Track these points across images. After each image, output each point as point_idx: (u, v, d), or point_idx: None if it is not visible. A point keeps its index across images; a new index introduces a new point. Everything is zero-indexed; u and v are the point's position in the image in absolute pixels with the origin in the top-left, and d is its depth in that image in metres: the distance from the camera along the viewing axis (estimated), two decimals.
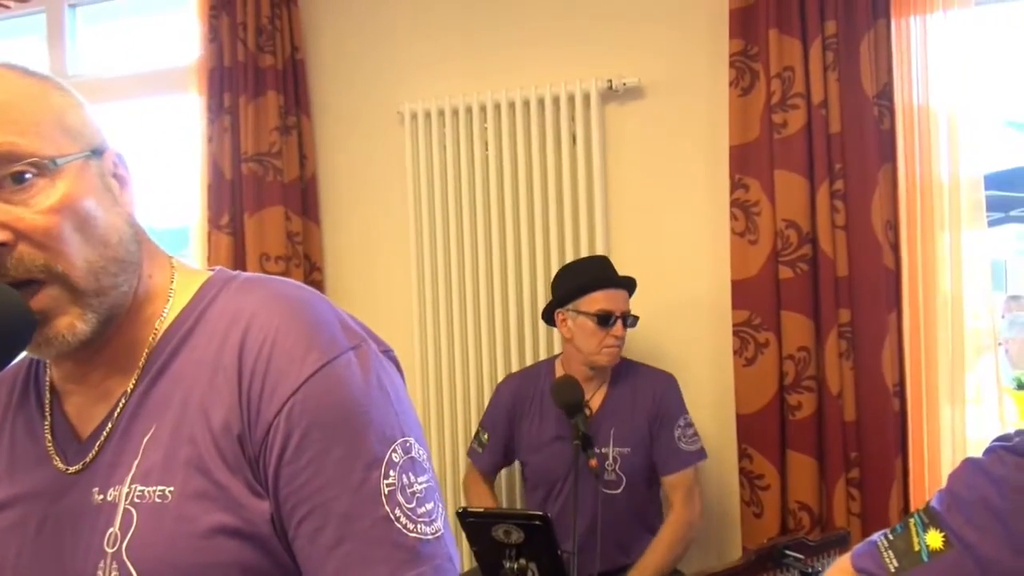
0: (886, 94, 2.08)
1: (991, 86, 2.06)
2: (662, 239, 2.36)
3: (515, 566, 1.49)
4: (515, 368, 2.37)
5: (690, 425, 2.04)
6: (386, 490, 0.64)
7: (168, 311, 0.71)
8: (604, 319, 1.96)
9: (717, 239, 2.28)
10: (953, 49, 2.03)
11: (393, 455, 0.65)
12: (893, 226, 2.10)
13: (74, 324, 0.64)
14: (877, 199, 2.07)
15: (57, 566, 0.67)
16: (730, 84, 2.18)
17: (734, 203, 2.19)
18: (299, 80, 2.56)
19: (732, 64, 2.17)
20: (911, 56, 2.06)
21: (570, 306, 2.01)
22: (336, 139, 2.63)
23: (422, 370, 2.49)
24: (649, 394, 2.04)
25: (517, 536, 1.50)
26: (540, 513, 1.52)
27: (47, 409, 0.73)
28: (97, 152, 0.68)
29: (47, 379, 0.75)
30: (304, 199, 2.57)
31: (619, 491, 1.99)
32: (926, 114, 2.05)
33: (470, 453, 2.18)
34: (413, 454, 0.66)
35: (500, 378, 2.33)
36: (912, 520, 0.85)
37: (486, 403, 2.27)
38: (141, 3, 2.85)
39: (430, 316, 2.49)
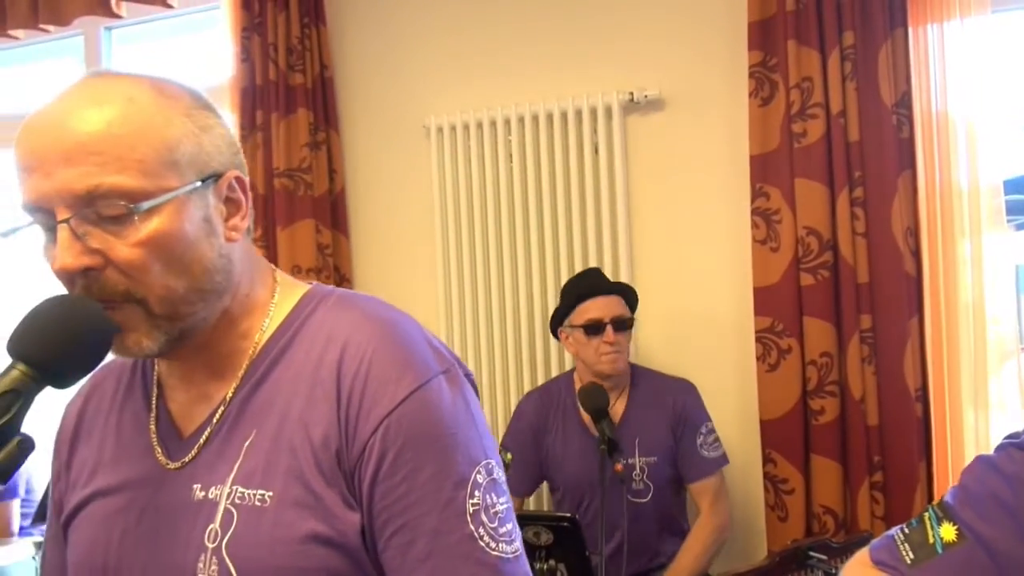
0: (904, 102, 2.10)
1: (1009, 92, 2.06)
2: (684, 248, 2.36)
3: (544, 567, 1.53)
4: (543, 382, 2.36)
5: (712, 432, 2.05)
6: (471, 509, 0.67)
7: (268, 324, 0.74)
8: (594, 328, 1.98)
9: (739, 247, 2.28)
10: (971, 56, 2.04)
11: (478, 476, 0.68)
12: (913, 232, 2.12)
13: (141, 341, 0.68)
14: (897, 206, 2.09)
15: (156, 555, 0.71)
16: (750, 95, 2.20)
17: (755, 211, 2.20)
18: (328, 97, 2.59)
19: (751, 75, 2.19)
20: (929, 64, 2.08)
21: (566, 322, 2.05)
22: (364, 153, 2.66)
23: None
24: (670, 403, 2.05)
25: (546, 538, 1.53)
26: (569, 515, 1.55)
27: (153, 403, 0.77)
28: (209, 180, 0.70)
29: (155, 374, 0.78)
30: (334, 212, 2.59)
31: (647, 500, 2.00)
32: (945, 121, 2.07)
33: None
34: (495, 475, 0.69)
35: (527, 391, 2.33)
36: (927, 514, 0.87)
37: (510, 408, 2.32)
38: (175, 25, 2.92)
39: (456, 329, 2.50)
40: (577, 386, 2.08)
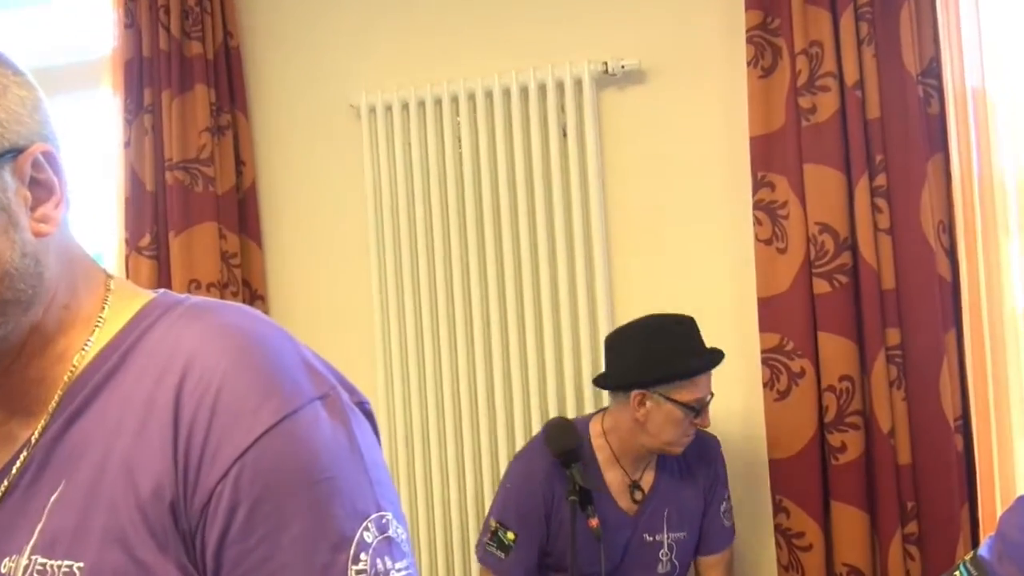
0: (932, 72, 2.09)
1: None
2: (672, 250, 2.35)
3: None
4: (519, 421, 2.31)
5: (729, 497, 2.09)
6: None
7: (93, 342, 0.70)
8: (697, 409, 1.93)
9: (738, 248, 2.27)
10: (1011, 18, 2.05)
11: (365, 534, 0.64)
12: (947, 228, 2.09)
13: None
14: (927, 196, 2.07)
15: None
16: (748, 64, 2.18)
17: (757, 205, 2.18)
18: (233, 71, 2.55)
19: (750, 40, 2.17)
20: (960, 25, 2.05)
21: (660, 390, 1.92)
22: (280, 141, 2.63)
23: (389, 424, 2.44)
24: (703, 465, 2.05)
25: None
26: None
27: None
28: (5, 156, 0.65)
29: None
30: (242, 213, 2.55)
31: None
32: (982, 95, 2.05)
33: (486, 559, 1.98)
34: (390, 533, 0.65)
35: (489, 433, 2.30)
36: (957, 572, 0.87)
37: (473, 466, 2.28)
38: None
39: (396, 353, 2.46)
40: (596, 440, 2.00)
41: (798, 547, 2.15)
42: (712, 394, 1.97)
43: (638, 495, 2.00)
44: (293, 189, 2.63)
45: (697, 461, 2.05)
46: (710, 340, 2.20)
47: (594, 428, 2.02)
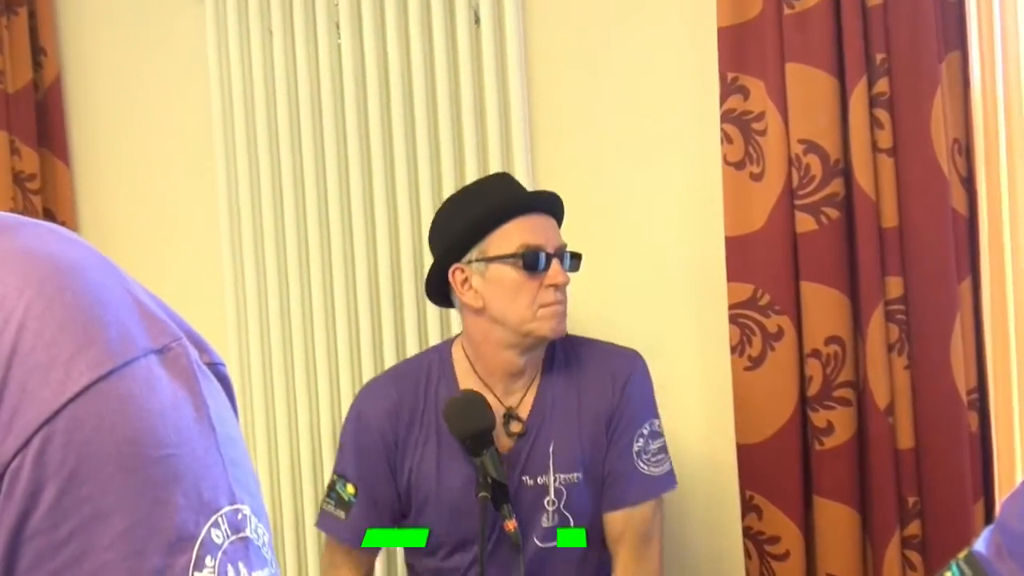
0: None
1: None
2: (613, 175, 2.27)
3: None
4: (388, 358, 2.28)
5: (658, 435, 1.94)
6: None
7: None
8: (533, 259, 1.83)
9: (702, 174, 2.19)
10: None
11: (214, 532, 0.60)
12: (964, 149, 2.02)
13: None
14: (939, 107, 1.97)
15: None
16: None
17: (726, 116, 2.09)
18: None
19: None
20: None
21: (471, 254, 1.87)
22: (94, 23, 2.50)
23: (242, 384, 2.38)
24: (607, 384, 1.93)
25: None
26: None
27: None
28: None
29: None
30: (41, 120, 2.44)
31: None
32: None
33: (324, 522, 1.96)
34: (247, 532, 0.62)
35: (367, 370, 2.28)
36: (948, 573, 0.90)
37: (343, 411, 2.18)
38: None
39: (254, 308, 2.37)
40: (459, 367, 1.95)
41: (772, 555, 2.10)
42: (564, 245, 1.89)
43: (515, 426, 1.87)
44: (111, 89, 2.50)
45: (599, 380, 1.94)
46: (662, 293, 2.23)
47: (456, 352, 1.97)
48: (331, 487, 1.96)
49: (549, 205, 1.92)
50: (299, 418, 2.36)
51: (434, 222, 2.00)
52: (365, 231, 2.28)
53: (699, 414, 2.23)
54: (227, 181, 2.35)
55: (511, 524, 1.72)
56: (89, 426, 0.59)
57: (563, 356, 1.96)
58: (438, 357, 1.99)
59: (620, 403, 1.91)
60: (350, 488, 1.93)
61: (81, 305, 0.60)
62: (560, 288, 1.85)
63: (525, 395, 1.91)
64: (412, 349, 2.26)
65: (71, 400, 0.59)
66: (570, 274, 1.93)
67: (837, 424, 2.02)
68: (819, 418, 2.03)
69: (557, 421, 1.92)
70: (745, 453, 2.09)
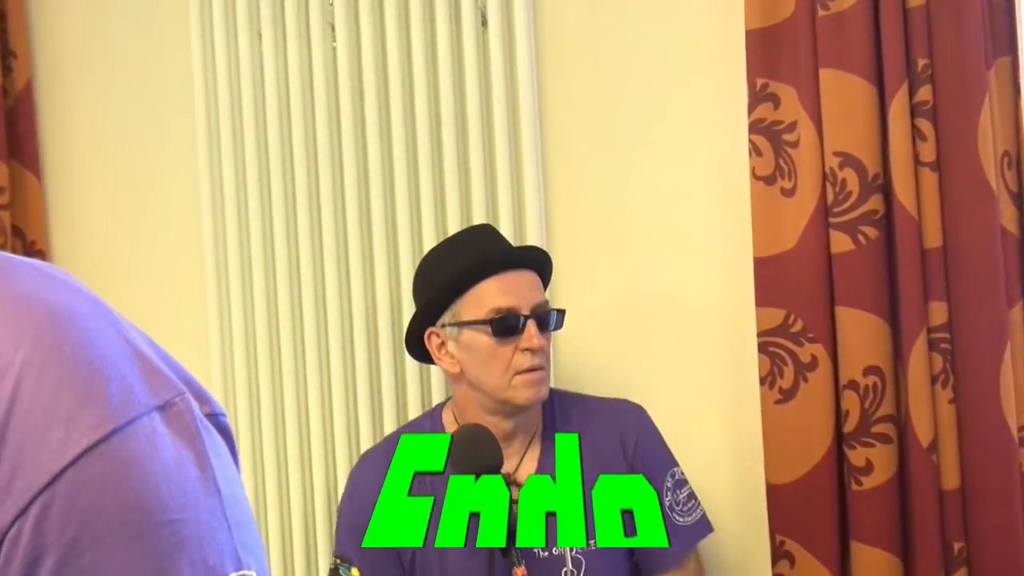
0: None
1: None
2: (635, 193, 2.24)
3: None
4: (388, 421, 2.26)
5: (683, 483, 1.98)
6: None
7: None
8: (505, 324, 1.86)
9: (728, 189, 2.17)
10: None
11: None
12: (1015, 162, 2.00)
13: None
14: (987, 116, 1.96)
15: None
16: None
17: (755, 127, 2.08)
18: None
19: None
20: None
21: (445, 317, 1.91)
22: (69, 24, 2.50)
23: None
24: (616, 448, 1.95)
25: None
26: None
27: None
28: None
29: None
30: (10, 129, 2.45)
31: None
32: None
33: None
34: None
35: (365, 437, 2.26)
36: None
37: (340, 482, 2.20)
38: None
39: (240, 337, 2.33)
40: (452, 430, 1.96)
41: None
42: (545, 303, 1.91)
43: (515, 493, 1.94)
44: (87, 95, 2.50)
45: (606, 438, 1.97)
46: (685, 319, 2.21)
47: (446, 416, 2.03)
48: (334, 572, 2.00)
49: (528, 261, 1.93)
50: (290, 475, 2.34)
51: (415, 277, 2.03)
52: (362, 266, 2.24)
53: (725, 451, 2.21)
54: (212, 196, 2.33)
55: (520, 572, 1.69)
56: (90, 491, 0.59)
57: (562, 416, 1.99)
58: (429, 423, 2.04)
59: (636, 465, 1.94)
60: (355, 572, 1.97)
61: (80, 359, 0.61)
62: (536, 352, 1.86)
63: (522, 460, 1.94)
64: (413, 402, 2.25)
65: (71, 463, 0.59)
66: (554, 332, 1.94)
67: (876, 463, 2.01)
68: (856, 456, 2.01)
69: None
70: (776, 494, 2.07)
